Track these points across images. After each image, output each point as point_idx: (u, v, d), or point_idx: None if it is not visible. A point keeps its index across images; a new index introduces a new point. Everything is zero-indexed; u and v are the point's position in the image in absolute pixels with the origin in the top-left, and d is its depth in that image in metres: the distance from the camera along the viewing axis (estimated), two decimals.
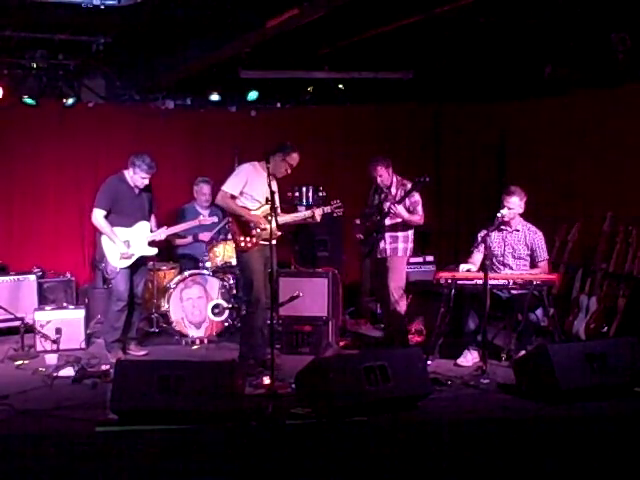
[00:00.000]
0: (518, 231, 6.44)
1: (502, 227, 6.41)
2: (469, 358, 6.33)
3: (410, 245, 6.79)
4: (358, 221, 6.90)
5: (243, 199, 6.27)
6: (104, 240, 6.57)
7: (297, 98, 9.07)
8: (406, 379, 5.15)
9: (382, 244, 6.70)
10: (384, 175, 6.70)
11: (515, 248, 6.44)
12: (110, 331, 6.67)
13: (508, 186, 6.46)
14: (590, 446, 4.55)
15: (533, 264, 6.44)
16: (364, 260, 7.27)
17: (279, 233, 6.19)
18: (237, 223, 6.29)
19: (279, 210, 6.09)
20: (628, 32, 6.52)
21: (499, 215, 6.29)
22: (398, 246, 6.71)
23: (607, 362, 5.33)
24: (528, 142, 8.53)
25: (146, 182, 6.60)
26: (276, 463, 4.32)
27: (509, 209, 6.32)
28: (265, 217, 6.10)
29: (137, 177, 6.56)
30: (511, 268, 6.43)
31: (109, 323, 6.72)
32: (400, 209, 6.56)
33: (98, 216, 6.53)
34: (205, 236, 7.80)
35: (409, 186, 6.65)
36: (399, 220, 6.65)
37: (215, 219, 7.59)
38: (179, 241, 7.95)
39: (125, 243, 6.56)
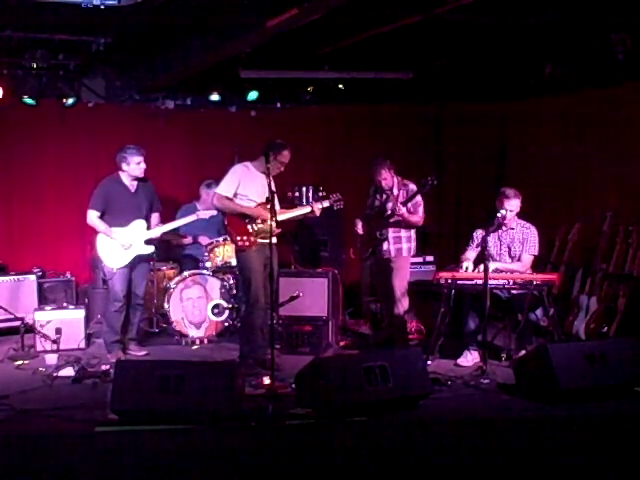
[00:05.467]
0: (513, 229, 6.45)
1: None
2: (469, 358, 6.33)
3: (413, 244, 6.80)
4: (359, 224, 6.87)
5: (237, 200, 6.28)
6: (99, 241, 6.59)
7: (297, 98, 9.07)
8: (406, 379, 5.16)
9: (386, 245, 6.70)
10: (387, 178, 6.70)
11: (511, 247, 6.45)
12: (109, 331, 6.67)
13: (503, 190, 6.40)
14: (590, 446, 4.55)
15: (519, 257, 6.44)
16: (365, 261, 7.26)
17: (278, 230, 6.18)
18: (234, 223, 6.29)
19: (278, 207, 6.11)
20: (628, 32, 6.51)
21: (499, 215, 6.30)
22: (402, 246, 6.71)
23: (607, 362, 5.34)
24: (528, 142, 8.53)
25: (143, 166, 6.58)
26: (276, 463, 4.32)
27: (510, 211, 6.33)
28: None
29: (133, 166, 6.55)
30: None
31: (107, 323, 6.71)
32: (404, 211, 6.57)
33: (92, 216, 6.57)
34: (204, 240, 7.79)
35: (411, 186, 6.66)
36: (401, 221, 6.65)
37: (214, 212, 7.48)
38: (179, 241, 7.95)
39: (122, 238, 6.57)
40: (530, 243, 6.41)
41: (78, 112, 8.31)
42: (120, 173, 6.63)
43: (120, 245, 6.55)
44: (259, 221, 6.20)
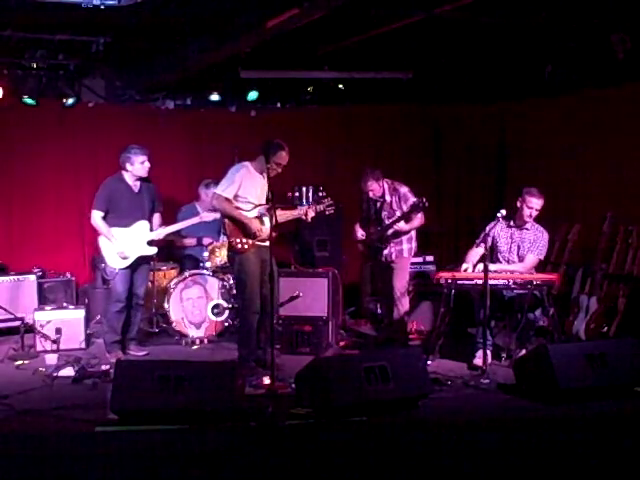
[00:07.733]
0: (527, 230, 6.43)
1: (512, 224, 6.41)
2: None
3: (414, 244, 6.84)
4: (359, 231, 6.88)
5: (237, 202, 6.22)
6: (102, 241, 6.60)
7: (297, 98, 9.07)
8: (406, 379, 5.15)
9: (387, 250, 6.73)
10: (375, 188, 6.75)
11: (520, 246, 6.44)
12: (109, 331, 6.68)
13: (528, 189, 6.35)
14: (590, 446, 4.55)
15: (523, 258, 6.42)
16: (366, 261, 7.27)
17: (275, 234, 6.11)
18: (232, 225, 6.25)
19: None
20: (628, 32, 6.51)
21: (499, 215, 6.28)
22: (403, 247, 6.76)
23: (607, 362, 5.34)
24: (528, 142, 8.53)
25: (148, 166, 6.59)
26: (276, 463, 4.32)
27: (536, 210, 6.31)
28: (259, 218, 6.14)
29: (138, 165, 6.56)
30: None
31: (108, 323, 6.72)
32: (401, 225, 6.61)
33: (95, 217, 6.58)
34: (207, 240, 7.79)
35: (401, 190, 6.72)
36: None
37: (217, 215, 7.47)
38: (181, 242, 7.93)
39: (122, 243, 6.56)
40: (537, 245, 6.39)
41: (78, 112, 8.31)
42: (123, 173, 6.62)
43: (116, 251, 6.53)
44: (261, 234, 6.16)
